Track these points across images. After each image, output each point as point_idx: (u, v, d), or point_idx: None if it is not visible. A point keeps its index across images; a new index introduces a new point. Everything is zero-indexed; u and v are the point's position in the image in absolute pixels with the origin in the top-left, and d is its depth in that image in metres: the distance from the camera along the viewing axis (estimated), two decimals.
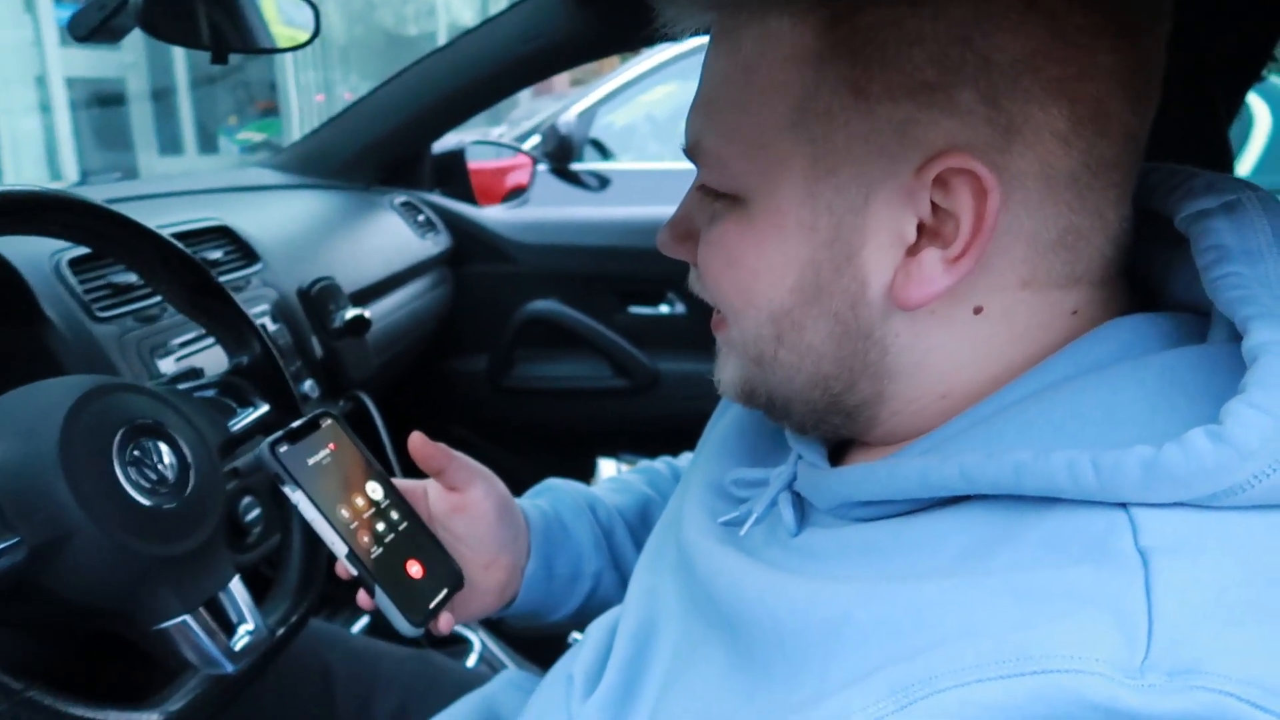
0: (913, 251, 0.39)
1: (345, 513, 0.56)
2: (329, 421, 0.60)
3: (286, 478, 0.54)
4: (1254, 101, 2.57)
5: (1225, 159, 0.83)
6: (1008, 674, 0.30)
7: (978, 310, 0.40)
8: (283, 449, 0.55)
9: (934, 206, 0.38)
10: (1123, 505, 0.32)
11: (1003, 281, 0.39)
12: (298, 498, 0.54)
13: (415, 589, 0.56)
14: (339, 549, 0.54)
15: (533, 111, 4.38)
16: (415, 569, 0.57)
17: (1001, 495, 0.36)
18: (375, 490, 0.59)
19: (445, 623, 0.58)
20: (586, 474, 1.55)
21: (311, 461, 0.56)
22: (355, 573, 0.55)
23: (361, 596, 0.56)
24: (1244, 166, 2.53)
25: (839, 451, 0.49)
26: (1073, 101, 0.36)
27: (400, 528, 0.58)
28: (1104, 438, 0.35)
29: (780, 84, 0.39)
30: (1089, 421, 0.36)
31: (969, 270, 0.38)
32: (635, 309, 1.74)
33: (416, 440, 0.61)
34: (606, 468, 1.55)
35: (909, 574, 0.37)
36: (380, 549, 0.56)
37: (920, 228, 0.39)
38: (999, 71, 0.35)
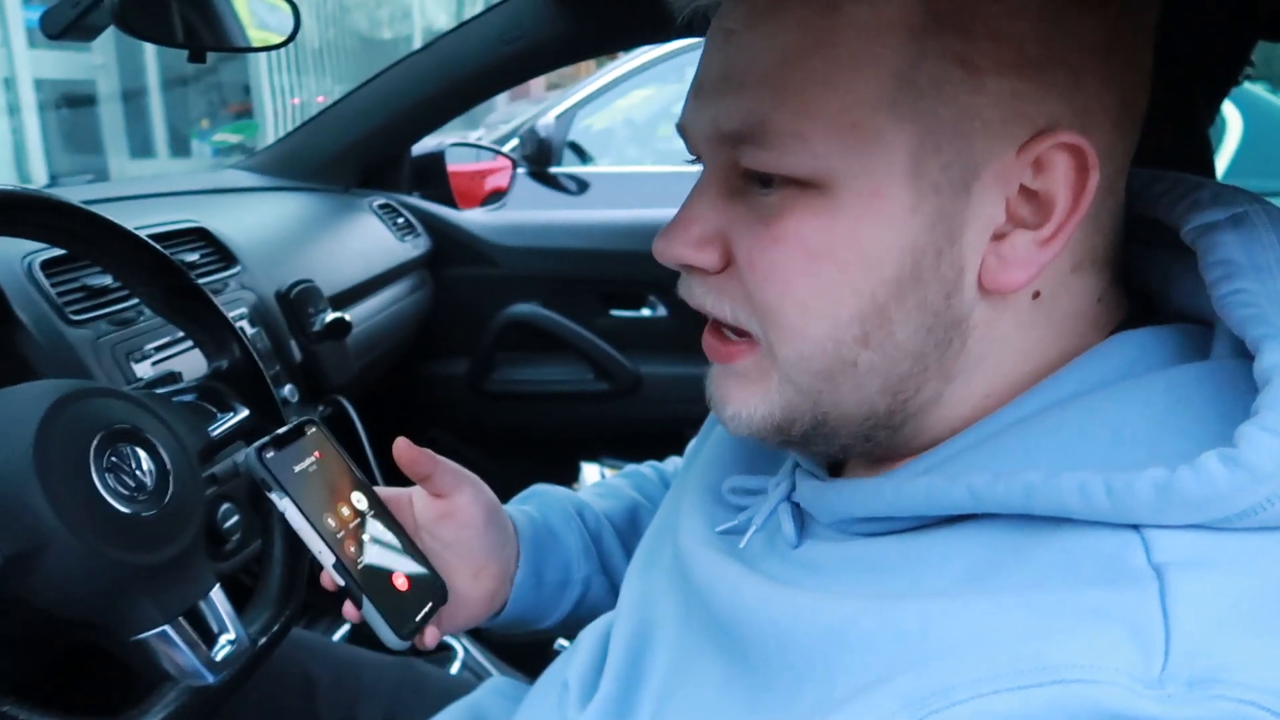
0: (999, 235, 0.38)
1: (332, 522, 0.55)
2: (313, 429, 0.59)
3: (274, 484, 0.53)
4: (1226, 107, 2.61)
5: (1207, 162, 0.84)
6: (1025, 684, 0.29)
7: (1036, 295, 0.40)
8: (269, 455, 0.54)
9: (1018, 186, 0.38)
10: (1134, 526, 0.32)
11: (1060, 264, 0.39)
12: (285, 505, 0.53)
13: (402, 601, 0.55)
14: (326, 559, 0.53)
15: (510, 116, 4.37)
16: (401, 581, 0.56)
17: (1009, 515, 0.35)
18: (360, 500, 0.58)
19: (431, 637, 0.57)
20: (569, 478, 1.54)
21: (298, 469, 0.55)
22: (342, 583, 0.54)
23: (348, 608, 0.55)
24: (1216, 171, 2.57)
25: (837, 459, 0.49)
26: (1122, 86, 0.38)
27: (385, 539, 0.57)
28: (1113, 458, 0.34)
29: (875, 57, 0.36)
30: (1097, 441, 0.35)
31: (1059, 251, 0.37)
32: (617, 312, 1.73)
33: (402, 445, 0.59)
34: (590, 472, 1.54)
35: (915, 592, 0.36)
36: (366, 560, 0.55)
37: (1005, 208, 0.38)
38: (1086, 53, 0.36)
